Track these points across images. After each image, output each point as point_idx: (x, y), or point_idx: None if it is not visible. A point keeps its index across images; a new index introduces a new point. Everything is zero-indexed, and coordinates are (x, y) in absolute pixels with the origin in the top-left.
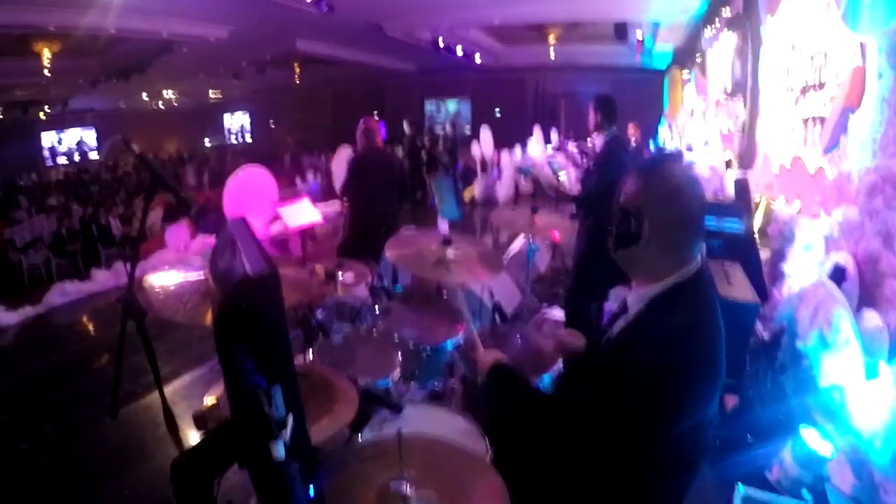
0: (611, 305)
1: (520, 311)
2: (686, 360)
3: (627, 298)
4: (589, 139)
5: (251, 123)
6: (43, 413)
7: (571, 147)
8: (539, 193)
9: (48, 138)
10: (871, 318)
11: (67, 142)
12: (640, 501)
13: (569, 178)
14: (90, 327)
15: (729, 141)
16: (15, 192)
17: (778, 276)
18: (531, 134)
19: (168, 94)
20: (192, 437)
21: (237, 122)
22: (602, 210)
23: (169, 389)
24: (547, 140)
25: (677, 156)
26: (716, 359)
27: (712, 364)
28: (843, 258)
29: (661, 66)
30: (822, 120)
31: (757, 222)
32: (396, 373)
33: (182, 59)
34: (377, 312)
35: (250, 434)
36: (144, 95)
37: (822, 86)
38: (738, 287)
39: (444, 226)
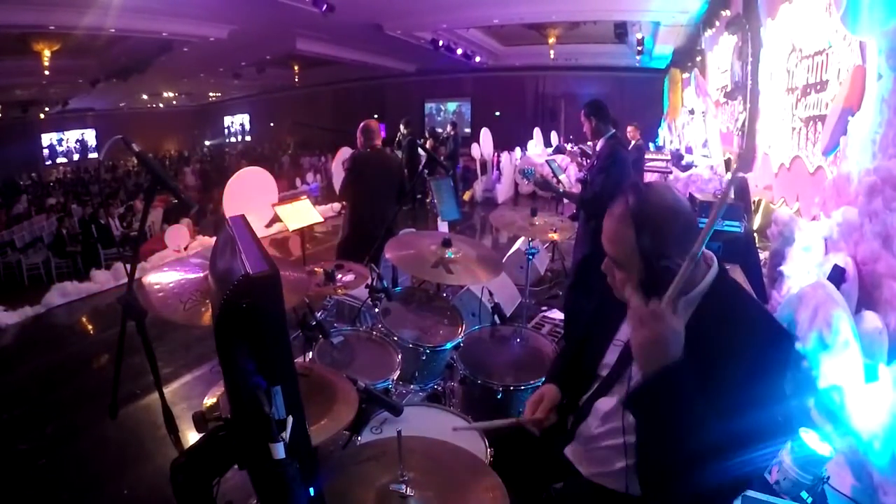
0: None
1: (519, 312)
2: (776, 329)
3: None
4: (589, 143)
5: (251, 123)
6: (43, 413)
7: (571, 148)
8: (545, 190)
9: (48, 138)
10: (871, 319)
11: (67, 142)
12: None
13: (568, 178)
14: (90, 327)
15: (728, 142)
16: (15, 191)
17: (777, 277)
18: (531, 135)
19: (168, 94)
20: (192, 437)
21: (237, 122)
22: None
23: (169, 390)
24: (547, 142)
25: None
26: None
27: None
28: (843, 259)
29: (661, 67)
30: (823, 120)
31: (756, 223)
32: (396, 374)
33: (182, 59)
34: (377, 313)
35: (250, 434)
36: (144, 95)
37: (823, 86)
38: None
39: (443, 227)
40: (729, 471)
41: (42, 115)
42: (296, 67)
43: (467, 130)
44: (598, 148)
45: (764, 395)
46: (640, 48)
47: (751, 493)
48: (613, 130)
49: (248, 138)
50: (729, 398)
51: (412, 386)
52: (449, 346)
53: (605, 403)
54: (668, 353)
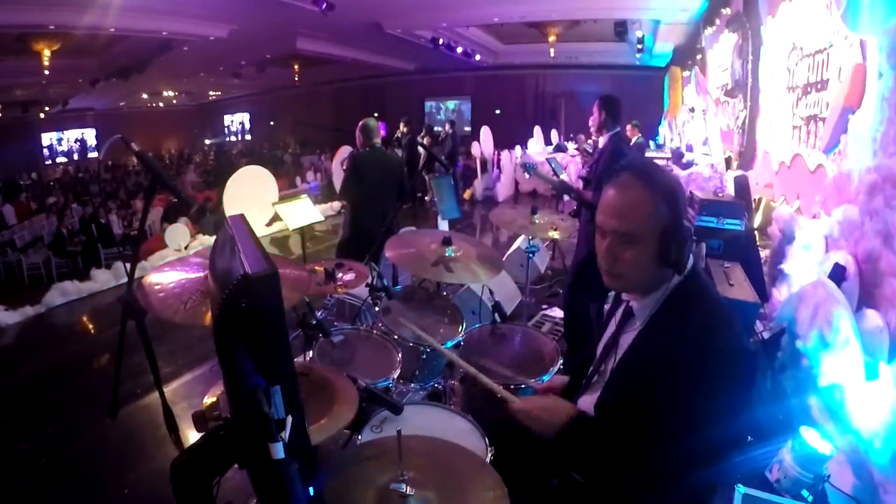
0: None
1: (520, 310)
2: (725, 349)
3: (633, 306)
4: (590, 139)
5: (251, 123)
6: (43, 413)
7: (572, 148)
8: (557, 190)
9: (48, 138)
10: (871, 317)
11: (67, 141)
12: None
13: (569, 177)
14: (90, 327)
15: (729, 140)
16: (17, 191)
17: (778, 275)
18: (531, 133)
19: (168, 93)
20: (192, 436)
21: (237, 122)
22: None
23: (169, 389)
24: (547, 140)
25: (647, 161)
26: (744, 341)
27: (744, 345)
28: (843, 258)
29: (662, 65)
30: (824, 119)
31: (757, 221)
32: (396, 372)
33: (182, 59)
34: (377, 311)
35: (250, 434)
36: (144, 95)
37: (824, 85)
38: (737, 287)
39: (443, 225)
40: (688, 483)
41: (42, 115)
42: (296, 66)
43: (467, 129)
44: (600, 145)
45: (718, 410)
46: (640, 46)
47: (751, 490)
48: (618, 128)
49: (248, 138)
50: (680, 408)
51: (412, 385)
52: (449, 344)
53: (587, 401)
54: (552, 424)
